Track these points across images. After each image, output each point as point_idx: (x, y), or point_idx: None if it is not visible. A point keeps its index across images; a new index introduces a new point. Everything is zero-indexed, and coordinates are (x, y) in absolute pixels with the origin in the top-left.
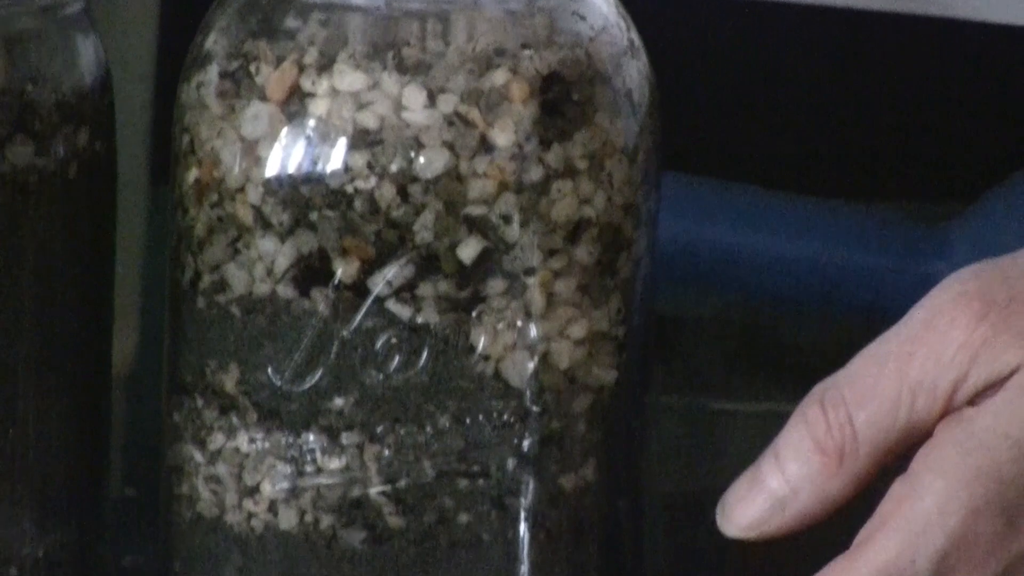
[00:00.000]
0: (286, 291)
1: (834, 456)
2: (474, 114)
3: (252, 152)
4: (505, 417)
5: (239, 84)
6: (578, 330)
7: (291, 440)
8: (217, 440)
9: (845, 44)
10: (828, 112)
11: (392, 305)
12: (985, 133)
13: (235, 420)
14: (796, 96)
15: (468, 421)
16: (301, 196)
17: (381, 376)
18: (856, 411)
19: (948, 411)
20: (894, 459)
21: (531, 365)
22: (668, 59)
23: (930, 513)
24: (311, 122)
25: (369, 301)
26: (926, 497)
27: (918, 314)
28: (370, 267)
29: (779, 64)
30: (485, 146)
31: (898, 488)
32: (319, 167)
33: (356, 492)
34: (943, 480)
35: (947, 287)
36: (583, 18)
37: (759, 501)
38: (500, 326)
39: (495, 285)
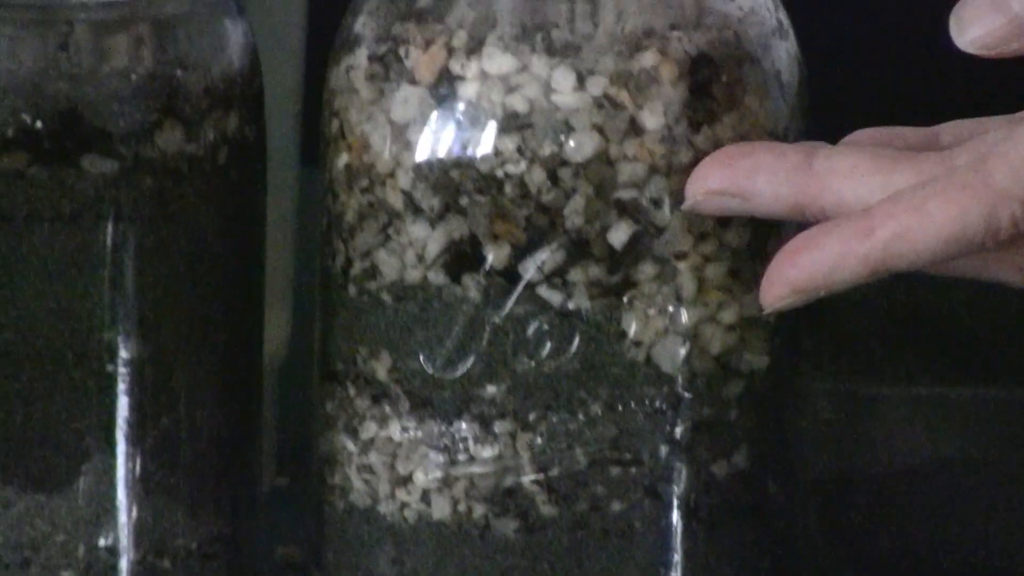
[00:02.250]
0: (437, 277)
1: None
2: (623, 96)
3: (402, 136)
4: (657, 404)
5: (388, 67)
6: (729, 315)
7: (443, 428)
8: (369, 429)
9: None
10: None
11: (543, 291)
12: None
13: (387, 409)
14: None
15: (620, 408)
16: (451, 181)
17: (533, 363)
18: None
19: None
20: None
21: (683, 351)
22: (816, 39)
23: None
24: (460, 105)
25: (520, 287)
26: None
27: None
28: (521, 252)
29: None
30: (635, 129)
31: None
32: (469, 151)
33: (509, 481)
34: None
35: None
36: None
37: (999, 19)
38: (651, 311)
39: (646, 270)
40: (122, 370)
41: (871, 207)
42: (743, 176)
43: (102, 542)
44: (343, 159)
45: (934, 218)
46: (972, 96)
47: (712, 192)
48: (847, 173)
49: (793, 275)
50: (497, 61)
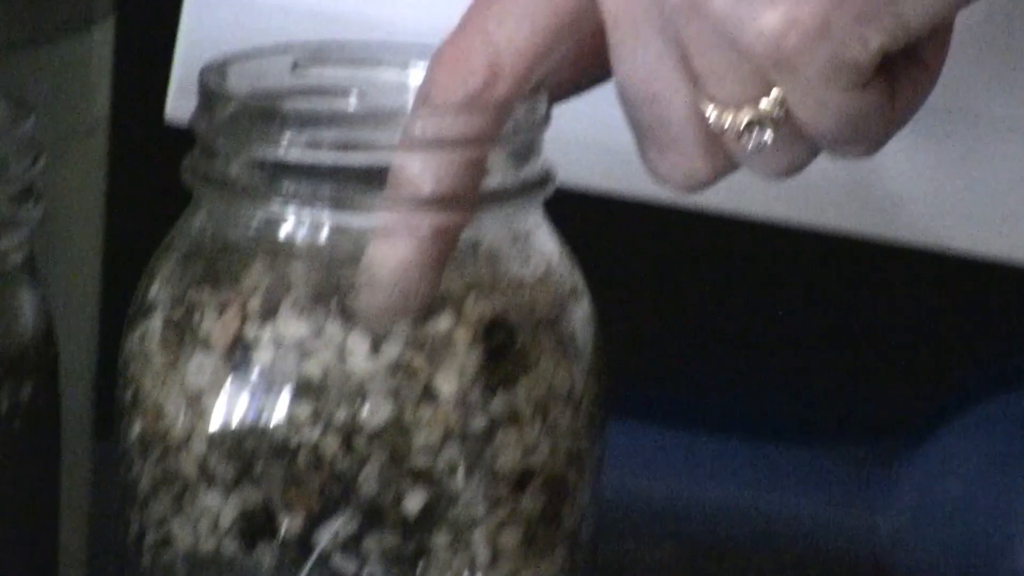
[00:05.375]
0: (231, 547)
1: None
2: (418, 361)
3: (196, 404)
4: None
5: (182, 333)
6: None
7: None
8: None
9: (793, 274)
10: (778, 348)
11: (337, 560)
12: (930, 371)
13: None
14: (741, 337)
15: None
16: (246, 448)
17: None
18: None
19: None
20: None
21: None
22: (614, 303)
23: None
24: (255, 372)
25: (314, 557)
26: None
27: None
28: (315, 521)
29: (730, 299)
30: (429, 394)
31: None
32: (263, 418)
33: None
34: None
35: None
36: (527, 260)
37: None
38: None
39: (440, 538)
40: None
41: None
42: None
43: None
44: (137, 428)
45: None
46: (770, 353)
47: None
48: None
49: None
50: (292, 326)
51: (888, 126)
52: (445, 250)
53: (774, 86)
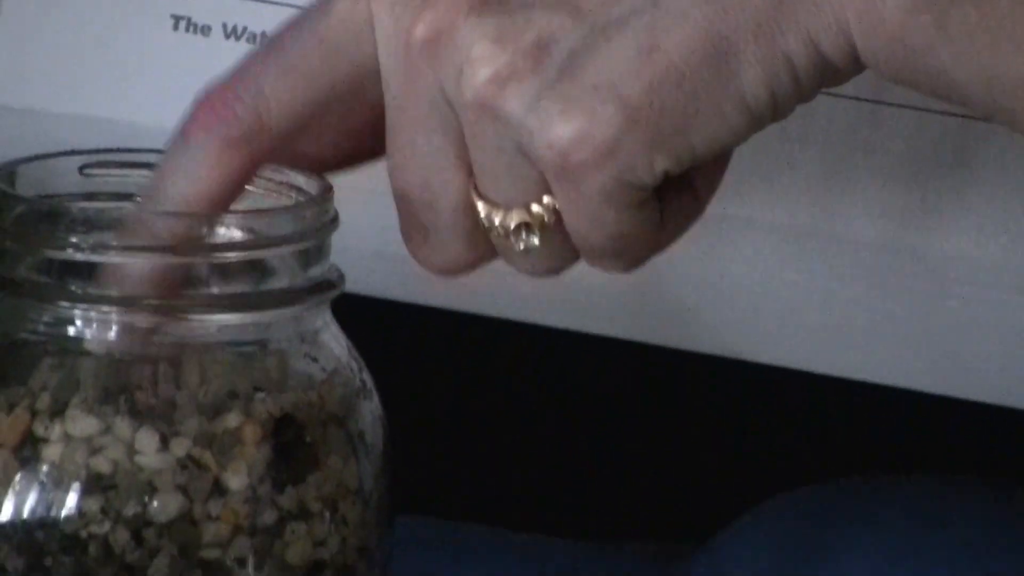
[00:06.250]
0: None
1: None
2: (207, 457)
3: None
4: None
5: None
6: None
7: None
8: None
9: (584, 372)
10: (565, 448)
11: None
12: (723, 468)
13: None
14: (530, 431)
15: None
16: (36, 541)
17: None
18: None
19: None
20: None
21: None
22: (400, 399)
23: None
24: (44, 467)
25: None
26: None
27: None
28: None
29: (520, 398)
30: (219, 489)
31: None
32: (53, 512)
33: None
34: None
35: None
36: (315, 360)
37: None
38: None
39: None
40: None
41: None
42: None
43: None
44: None
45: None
46: (563, 449)
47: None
48: None
49: None
50: (80, 423)
51: (652, 247)
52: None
53: (548, 192)
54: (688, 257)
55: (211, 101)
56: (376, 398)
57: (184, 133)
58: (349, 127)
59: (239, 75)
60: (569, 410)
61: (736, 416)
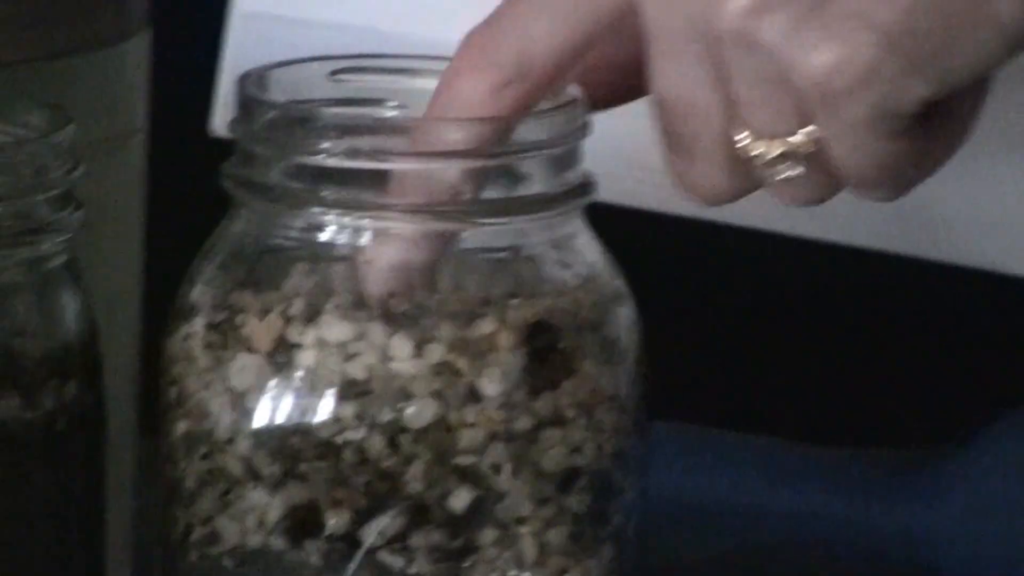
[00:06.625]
0: (278, 542)
1: None
2: (462, 363)
3: (240, 404)
4: None
5: (225, 336)
6: None
7: None
8: None
9: (834, 284)
10: (819, 355)
11: (384, 556)
12: (972, 375)
13: None
14: (780, 337)
15: None
16: (290, 447)
17: None
18: None
19: None
20: None
21: None
22: (656, 304)
23: None
24: (299, 373)
25: (361, 553)
26: None
27: None
28: (361, 518)
29: (768, 307)
30: (473, 395)
31: None
32: (308, 418)
33: None
34: None
35: None
36: (569, 266)
37: None
38: None
39: (487, 535)
40: None
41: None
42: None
43: None
44: (181, 426)
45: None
46: (817, 356)
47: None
48: None
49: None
50: (335, 329)
51: (917, 174)
52: (435, 256)
53: (810, 122)
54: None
55: (478, 43)
56: (631, 304)
57: (452, 76)
58: (612, 63)
59: (504, 16)
60: (818, 317)
61: (996, 314)
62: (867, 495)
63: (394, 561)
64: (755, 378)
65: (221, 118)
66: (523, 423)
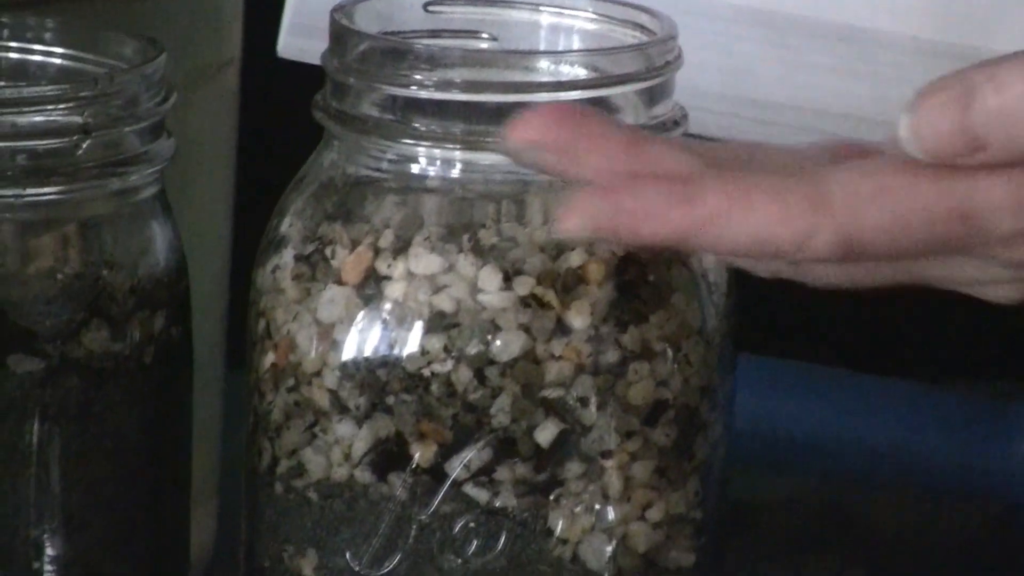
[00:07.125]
0: (364, 475)
1: None
2: (550, 296)
3: (328, 336)
4: None
5: (314, 268)
6: (656, 513)
7: None
8: None
9: None
10: (905, 288)
11: (470, 489)
12: None
13: None
14: None
15: None
16: (378, 380)
17: (459, 560)
18: None
19: None
20: None
21: (609, 548)
22: None
23: None
24: (387, 305)
25: (447, 485)
26: None
27: None
28: (447, 451)
29: None
30: (561, 328)
31: None
32: (395, 351)
33: None
34: None
35: None
36: None
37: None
38: (578, 509)
39: (572, 468)
40: (48, 568)
41: (700, 174)
42: (568, 133)
43: None
44: (269, 358)
45: (755, 211)
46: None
47: (529, 140)
48: (673, 150)
49: (602, 209)
50: (423, 261)
51: None
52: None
53: None
54: None
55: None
56: None
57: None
58: None
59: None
60: None
61: None
62: (949, 429)
63: (479, 494)
64: (842, 312)
65: (287, 41)
66: (610, 356)
